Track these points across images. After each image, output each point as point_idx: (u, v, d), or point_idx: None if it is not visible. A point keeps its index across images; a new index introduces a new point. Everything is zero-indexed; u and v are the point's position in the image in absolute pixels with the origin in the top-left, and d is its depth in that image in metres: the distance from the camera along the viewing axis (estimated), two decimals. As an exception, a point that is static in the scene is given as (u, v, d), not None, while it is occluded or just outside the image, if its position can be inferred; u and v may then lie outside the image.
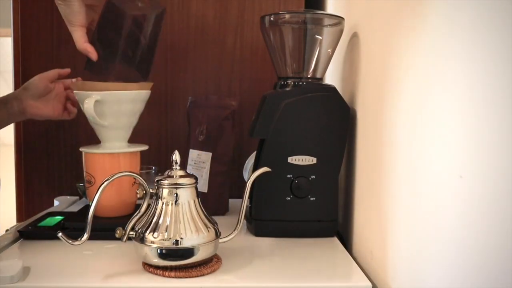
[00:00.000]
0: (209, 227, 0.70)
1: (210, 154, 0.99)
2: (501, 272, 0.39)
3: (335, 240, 0.85)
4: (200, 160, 1.00)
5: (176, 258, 0.67)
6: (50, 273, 0.68)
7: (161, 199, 0.69)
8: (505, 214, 0.38)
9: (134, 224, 0.70)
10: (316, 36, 0.92)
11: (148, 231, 0.68)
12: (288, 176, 0.84)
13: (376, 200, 0.72)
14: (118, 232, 0.70)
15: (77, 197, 1.12)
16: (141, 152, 0.90)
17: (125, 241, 0.69)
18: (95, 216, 0.87)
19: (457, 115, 0.46)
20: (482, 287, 0.42)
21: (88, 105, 0.81)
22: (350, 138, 0.87)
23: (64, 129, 1.17)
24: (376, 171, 0.73)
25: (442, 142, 0.50)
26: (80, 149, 0.87)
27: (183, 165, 1.11)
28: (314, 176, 0.85)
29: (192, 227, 0.68)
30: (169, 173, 0.71)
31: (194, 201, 0.71)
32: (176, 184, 0.70)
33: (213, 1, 1.17)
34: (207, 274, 0.67)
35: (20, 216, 1.15)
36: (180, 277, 0.66)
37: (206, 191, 0.99)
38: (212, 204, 1.00)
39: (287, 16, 0.92)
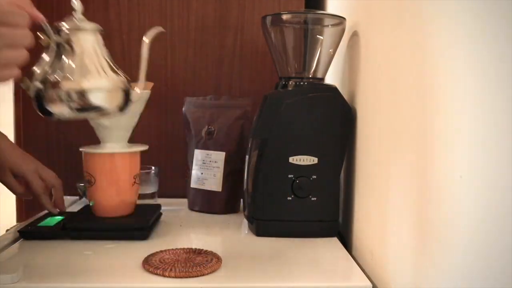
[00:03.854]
0: (118, 74, 0.67)
1: (223, 153, 1.00)
2: (501, 272, 0.39)
3: (335, 240, 0.85)
4: (211, 159, 1.01)
5: (84, 105, 0.63)
6: (50, 273, 0.68)
7: (64, 46, 0.65)
8: (505, 214, 0.38)
9: (39, 75, 0.65)
10: (317, 36, 0.92)
11: (52, 79, 0.64)
12: (289, 176, 0.84)
13: (376, 200, 0.72)
14: (24, 84, 0.64)
15: (77, 197, 1.12)
16: (141, 152, 0.90)
17: (32, 96, 0.64)
18: (95, 216, 0.87)
19: (457, 115, 0.46)
20: (483, 287, 0.41)
21: None
22: (351, 138, 0.87)
23: (64, 129, 1.17)
24: (376, 171, 0.73)
25: (442, 142, 0.49)
26: (80, 149, 0.87)
27: (183, 165, 1.11)
28: (315, 176, 0.84)
29: (100, 71, 0.66)
30: (70, 19, 0.68)
31: (99, 47, 0.68)
32: (78, 28, 0.66)
33: (213, 1, 1.16)
34: (207, 274, 0.67)
35: (20, 216, 1.15)
36: (180, 277, 0.66)
37: (220, 190, 1.00)
38: (225, 203, 1.01)
39: (288, 16, 0.92)
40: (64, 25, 0.67)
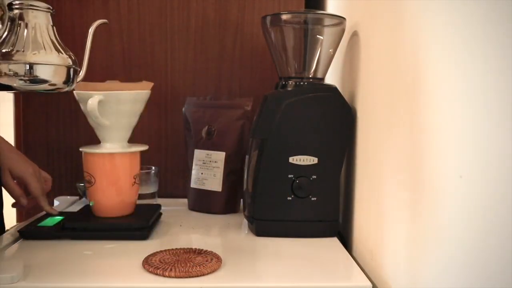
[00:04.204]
0: (65, 52, 0.73)
1: (223, 153, 1.00)
2: (501, 272, 0.39)
3: (335, 240, 0.85)
4: (211, 159, 1.01)
5: (32, 77, 0.69)
6: (50, 273, 0.68)
7: (17, 21, 0.71)
8: (505, 214, 0.38)
9: None
10: (317, 36, 0.92)
11: (4, 52, 0.69)
12: (289, 176, 0.84)
13: (376, 200, 0.72)
14: None
15: (77, 197, 1.12)
16: (141, 152, 0.90)
17: None
18: (95, 216, 0.87)
19: (457, 115, 0.46)
20: (482, 287, 0.41)
21: (92, 105, 0.81)
22: (350, 138, 0.87)
23: (64, 129, 1.17)
24: (376, 171, 0.73)
25: (442, 142, 0.49)
26: (80, 149, 0.87)
27: (183, 165, 1.11)
28: (315, 176, 0.84)
29: (47, 48, 0.71)
30: None
31: (49, 26, 0.73)
32: (30, 6, 0.71)
33: (213, 1, 1.17)
34: (207, 274, 0.67)
35: (20, 216, 1.15)
36: (180, 277, 0.66)
37: (220, 190, 1.00)
38: (225, 203, 1.01)
39: (288, 16, 0.92)
40: (18, 2, 0.72)
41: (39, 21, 0.72)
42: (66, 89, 0.76)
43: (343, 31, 0.90)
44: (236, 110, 1.02)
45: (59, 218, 0.89)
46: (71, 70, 0.74)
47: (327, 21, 0.92)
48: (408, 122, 0.60)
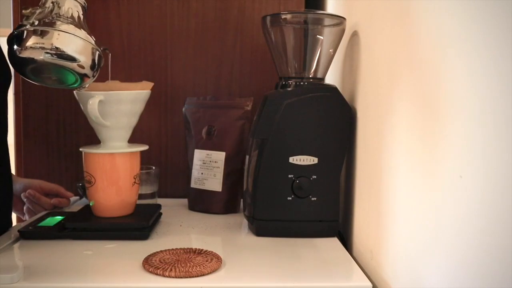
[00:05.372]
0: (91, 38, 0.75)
1: (223, 153, 1.00)
2: (501, 272, 0.39)
3: (335, 240, 0.85)
4: (211, 159, 1.01)
5: (57, 52, 0.70)
6: (50, 273, 0.68)
7: (57, 4, 0.73)
8: (505, 214, 0.38)
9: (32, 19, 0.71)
10: (317, 36, 0.92)
11: (40, 27, 0.70)
12: (289, 176, 0.84)
13: (376, 200, 0.72)
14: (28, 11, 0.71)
15: (77, 197, 1.12)
16: (141, 152, 0.90)
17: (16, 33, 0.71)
18: (95, 216, 0.87)
19: (457, 115, 0.46)
20: (482, 287, 0.41)
21: (92, 105, 0.81)
22: (350, 138, 0.87)
23: (64, 129, 1.17)
24: (376, 171, 0.73)
25: (442, 142, 0.49)
26: (80, 149, 0.87)
27: (183, 165, 1.11)
28: (315, 176, 0.84)
29: (80, 30, 0.73)
30: None
31: (82, 15, 0.76)
32: None
33: (213, 1, 1.17)
34: (207, 274, 0.67)
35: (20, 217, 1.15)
36: (180, 277, 0.66)
37: (220, 190, 1.00)
38: (225, 203, 1.01)
39: (288, 16, 0.92)
40: None
41: (75, 9, 0.74)
42: (89, 80, 0.75)
43: (343, 31, 0.90)
44: (236, 110, 1.02)
45: (59, 218, 0.89)
46: (97, 53, 0.74)
47: (327, 21, 0.91)
48: (409, 122, 0.60)
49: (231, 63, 1.18)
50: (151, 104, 0.93)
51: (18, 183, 1.03)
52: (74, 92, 0.86)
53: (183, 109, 1.08)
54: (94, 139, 0.90)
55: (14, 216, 1.13)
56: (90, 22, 0.83)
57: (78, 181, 1.11)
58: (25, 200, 1.01)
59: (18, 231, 0.83)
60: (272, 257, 0.76)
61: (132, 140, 0.91)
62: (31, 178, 1.09)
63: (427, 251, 0.53)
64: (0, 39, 0.92)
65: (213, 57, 1.18)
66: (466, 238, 0.44)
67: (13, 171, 1.16)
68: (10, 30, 1.15)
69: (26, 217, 1.04)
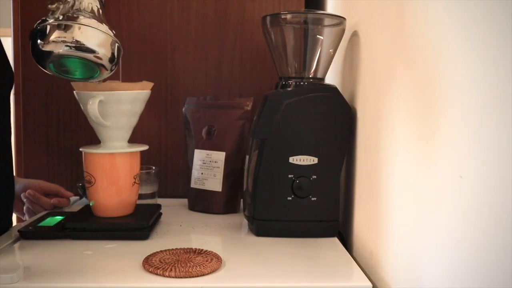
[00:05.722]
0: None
1: (223, 153, 1.00)
2: (501, 272, 0.39)
3: (335, 240, 0.85)
4: (211, 159, 1.01)
5: (76, 45, 0.73)
6: (50, 273, 0.68)
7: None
8: (505, 214, 0.38)
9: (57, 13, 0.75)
10: (317, 36, 0.92)
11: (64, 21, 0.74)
12: (289, 176, 0.84)
13: (376, 200, 0.72)
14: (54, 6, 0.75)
15: (77, 197, 1.12)
16: (141, 152, 0.90)
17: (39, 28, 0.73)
18: (95, 216, 0.87)
19: (457, 115, 0.46)
20: (482, 287, 0.41)
21: (92, 105, 0.82)
22: (350, 138, 0.87)
23: (64, 129, 1.17)
24: (376, 171, 0.73)
25: (442, 142, 0.49)
26: (80, 149, 0.87)
27: (183, 165, 1.11)
28: (315, 176, 0.84)
29: (101, 24, 0.76)
30: None
31: (101, 10, 0.78)
32: None
33: (213, 1, 1.17)
34: (207, 274, 0.67)
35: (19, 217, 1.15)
36: (180, 277, 0.66)
37: (220, 190, 1.00)
38: (225, 203, 1.01)
39: (288, 16, 0.92)
40: None
41: (94, 5, 0.76)
42: (107, 72, 0.77)
43: (343, 31, 0.89)
44: (236, 110, 1.02)
45: (59, 218, 0.89)
46: (116, 46, 0.75)
47: (327, 21, 0.91)
48: (409, 122, 0.60)
49: (231, 63, 1.18)
50: (151, 104, 0.93)
51: (18, 183, 1.03)
52: (74, 92, 0.86)
53: (183, 109, 1.08)
54: (94, 139, 0.90)
55: (14, 216, 1.13)
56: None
57: (78, 181, 1.11)
58: (25, 200, 1.01)
59: (18, 231, 0.83)
60: (272, 257, 0.76)
61: (132, 140, 0.90)
62: (31, 178, 1.09)
63: (427, 251, 0.53)
64: (1, 39, 0.92)
65: (213, 57, 1.17)
66: (466, 238, 0.44)
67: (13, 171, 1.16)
68: (10, 30, 1.16)
69: (26, 217, 1.04)
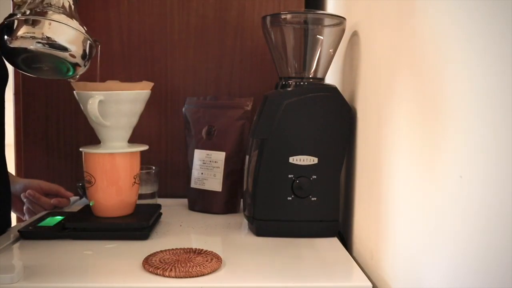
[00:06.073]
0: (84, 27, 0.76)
1: (223, 153, 1.00)
2: (501, 272, 0.39)
3: (335, 240, 0.85)
4: (211, 159, 1.01)
5: (52, 42, 0.70)
6: (50, 273, 0.68)
7: None
8: (505, 214, 0.38)
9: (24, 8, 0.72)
10: (317, 36, 0.92)
11: (32, 16, 0.71)
12: (289, 176, 0.84)
13: (376, 200, 0.72)
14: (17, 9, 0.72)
15: (77, 197, 1.12)
16: (141, 152, 0.90)
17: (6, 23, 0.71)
18: (95, 216, 0.87)
19: (457, 115, 0.46)
20: (482, 287, 0.41)
21: (92, 105, 0.82)
22: (350, 138, 0.87)
23: (64, 129, 1.17)
24: (376, 171, 0.73)
25: (442, 142, 0.49)
26: (80, 149, 0.87)
27: (183, 165, 1.11)
28: (315, 176, 0.84)
29: (73, 21, 0.74)
30: None
31: (75, 7, 0.76)
32: None
33: (213, 1, 1.17)
34: (207, 273, 0.67)
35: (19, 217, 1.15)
36: (180, 277, 0.66)
37: (220, 190, 1.00)
38: (225, 203, 1.01)
39: (288, 16, 0.92)
40: None
41: (66, 1, 0.74)
42: (81, 69, 0.75)
43: (343, 31, 0.90)
44: (236, 110, 1.02)
45: (59, 218, 0.89)
46: (88, 43, 0.74)
47: (327, 21, 0.92)
48: (409, 122, 0.60)
49: (231, 63, 1.18)
50: (151, 104, 0.93)
51: (18, 183, 1.03)
52: (74, 92, 0.86)
53: (183, 109, 1.08)
54: (94, 139, 0.90)
55: (14, 216, 1.13)
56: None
57: (78, 181, 1.11)
58: (25, 200, 1.01)
59: (18, 231, 0.83)
60: (272, 257, 0.76)
61: (132, 140, 0.91)
62: (31, 178, 1.10)
63: (427, 251, 0.53)
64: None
65: (213, 57, 1.18)
66: (466, 238, 0.44)
67: (13, 171, 1.16)
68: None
69: (26, 217, 1.04)
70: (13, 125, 1.16)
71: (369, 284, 0.67)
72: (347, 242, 0.89)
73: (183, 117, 1.08)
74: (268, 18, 0.90)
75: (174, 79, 1.17)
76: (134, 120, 0.89)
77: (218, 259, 0.72)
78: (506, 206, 0.38)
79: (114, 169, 0.86)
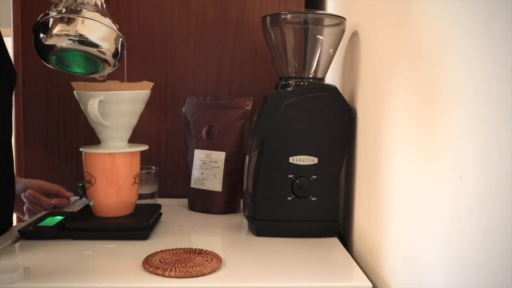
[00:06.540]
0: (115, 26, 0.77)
1: (223, 153, 1.00)
2: (501, 272, 0.39)
3: (335, 240, 0.85)
4: (211, 159, 1.01)
5: (80, 39, 0.71)
6: (50, 273, 0.68)
7: None
8: (505, 214, 0.38)
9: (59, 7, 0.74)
10: (317, 36, 0.92)
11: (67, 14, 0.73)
12: (289, 176, 0.84)
13: (376, 200, 0.72)
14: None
15: (77, 197, 1.12)
16: (141, 152, 0.90)
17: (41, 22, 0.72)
18: (95, 216, 0.87)
19: (457, 115, 0.46)
20: (482, 287, 0.41)
21: (92, 106, 0.82)
22: (350, 138, 0.87)
23: (64, 129, 1.17)
24: (376, 171, 0.73)
25: (442, 142, 0.49)
26: (80, 149, 0.87)
27: (183, 165, 1.11)
28: (315, 176, 0.84)
29: (105, 19, 0.76)
30: None
31: (105, 6, 0.78)
32: None
33: (213, 1, 1.17)
34: (207, 273, 0.67)
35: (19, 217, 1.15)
36: (180, 277, 0.66)
37: (220, 190, 1.00)
38: (225, 203, 1.01)
39: (288, 16, 0.92)
40: None
41: (98, 1, 0.75)
42: (110, 68, 0.76)
43: (343, 31, 0.90)
44: (236, 110, 1.02)
45: (59, 218, 0.89)
46: (120, 41, 0.74)
47: (327, 21, 0.92)
48: (409, 122, 0.60)
49: (231, 63, 1.18)
50: (151, 104, 0.93)
51: (18, 183, 1.03)
52: (74, 92, 0.86)
53: (183, 109, 1.08)
54: (94, 139, 0.90)
55: (14, 216, 1.13)
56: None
57: (78, 181, 1.11)
58: (25, 200, 1.01)
59: (18, 231, 0.83)
60: (272, 257, 0.76)
61: (132, 140, 0.91)
62: (31, 178, 1.10)
63: (427, 251, 0.53)
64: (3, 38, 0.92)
65: (213, 57, 1.18)
66: (466, 238, 0.44)
67: (12, 171, 1.16)
68: (10, 30, 1.16)
69: (26, 217, 1.04)
70: (13, 125, 1.16)
71: (369, 284, 0.67)
72: (347, 242, 0.89)
73: (183, 117, 1.09)
74: (268, 18, 0.90)
75: (174, 79, 1.17)
76: (134, 120, 0.89)
77: (218, 259, 0.72)
78: (506, 206, 0.38)
79: (114, 169, 0.86)
